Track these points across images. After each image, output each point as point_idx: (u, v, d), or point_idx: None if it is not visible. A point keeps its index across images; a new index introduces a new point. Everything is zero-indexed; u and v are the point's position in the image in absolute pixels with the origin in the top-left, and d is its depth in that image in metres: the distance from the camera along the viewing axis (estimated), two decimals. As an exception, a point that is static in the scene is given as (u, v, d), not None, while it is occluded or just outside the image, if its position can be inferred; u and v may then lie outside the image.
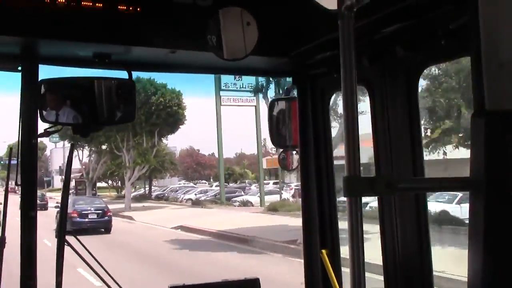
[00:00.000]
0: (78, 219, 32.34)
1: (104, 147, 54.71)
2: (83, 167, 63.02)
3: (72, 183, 66.78)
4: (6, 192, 3.11)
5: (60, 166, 79.09)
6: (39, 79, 2.83)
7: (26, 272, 2.78)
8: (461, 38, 2.21)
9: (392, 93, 2.74)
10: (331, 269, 3.17)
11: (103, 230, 32.81)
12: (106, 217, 33.51)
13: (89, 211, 33.35)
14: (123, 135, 47.36)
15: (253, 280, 3.52)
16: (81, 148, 58.61)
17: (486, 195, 1.37)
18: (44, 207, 42.20)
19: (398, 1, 2.31)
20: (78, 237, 3.22)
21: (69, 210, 30.54)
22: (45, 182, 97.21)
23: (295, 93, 3.62)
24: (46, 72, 2.95)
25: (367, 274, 1.46)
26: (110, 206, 38.90)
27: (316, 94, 3.39)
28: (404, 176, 2.64)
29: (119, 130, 44.62)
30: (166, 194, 65.80)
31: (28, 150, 2.78)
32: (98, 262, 3.21)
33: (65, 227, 3.07)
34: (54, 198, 45.87)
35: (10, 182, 2.90)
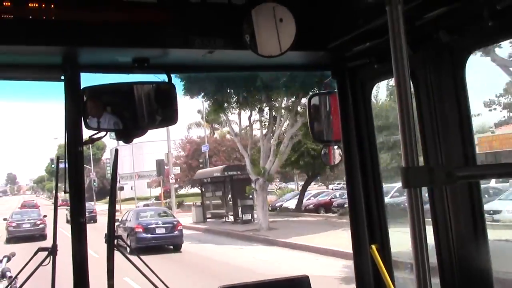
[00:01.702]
0: (143, 234, 27.87)
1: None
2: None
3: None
4: (56, 201, 3.17)
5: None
6: (82, 87, 2.88)
7: (78, 278, 2.82)
8: (510, 18, 2.12)
9: (438, 81, 2.66)
10: (381, 264, 3.10)
11: (171, 247, 28.27)
12: (176, 232, 28.35)
13: (156, 225, 28.43)
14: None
15: (303, 277, 3.49)
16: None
17: None
18: (93, 219, 39.84)
19: None
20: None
21: (133, 223, 28.58)
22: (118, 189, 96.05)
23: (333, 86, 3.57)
24: (88, 80, 3.00)
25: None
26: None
27: (356, 86, 3.33)
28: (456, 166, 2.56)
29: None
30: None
31: (74, 158, 2.83)
32: (149, 267, 3.23)
33: (114, 232, 3.11)
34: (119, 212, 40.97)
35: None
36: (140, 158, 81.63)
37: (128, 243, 26.32)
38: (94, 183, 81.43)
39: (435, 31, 2.50)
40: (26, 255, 3.23)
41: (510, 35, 2.31)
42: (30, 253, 3.07)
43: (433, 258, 2.26)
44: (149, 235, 27.85)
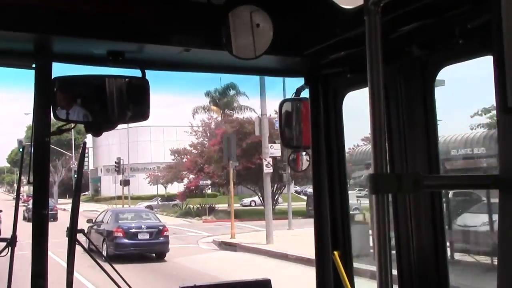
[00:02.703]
0: (124, 240, 23.96)
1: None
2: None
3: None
4: (18, 192, 3.11)
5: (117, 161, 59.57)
6: (53, 77, 2.83)
7: (37, 270, 2.77)
8: (480, 38, 2.20)
9: (408, 93, 2.73)
10: (343, 271, 3.15)
11: (154, 255, 24.74)
12: (162, 238, 24.57)
13: (139, 229, 24.63)
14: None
15: (265, 281, 3.50)
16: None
17: None
18: (54, 217, 35.52)
19: (415, 0, 2.29)
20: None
21: (111, 226, 24.69)
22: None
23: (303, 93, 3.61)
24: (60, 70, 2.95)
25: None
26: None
27: (328, 94, 3.38)
28: None
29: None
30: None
31: (41, 148, 2.77)
32: (110, 263, 3.19)
33: (77, 226, 3.06)
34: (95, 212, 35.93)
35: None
36: (133, 147, 69.88)
37: (105, 248, 23.47)
38: (74, 175, 75.58)
39: (408, 44, 2.57)
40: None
41: (479, 54, 2.39)
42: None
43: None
44: (130, 241, 24.06)
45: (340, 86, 3.32)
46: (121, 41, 2.80)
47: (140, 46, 2.88)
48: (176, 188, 59.55)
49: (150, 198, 62.32)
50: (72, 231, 3.05)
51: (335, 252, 3.26)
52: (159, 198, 59.64)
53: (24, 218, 32.17)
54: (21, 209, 32.74)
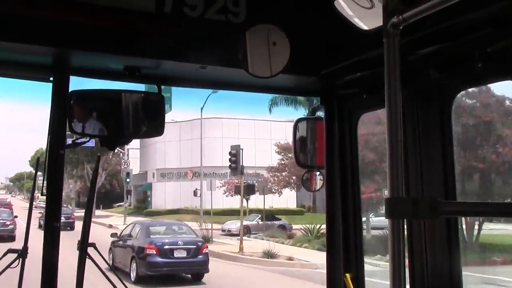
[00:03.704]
0: (157, 258, 20.50)
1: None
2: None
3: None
4: (31, 203, 3.12)
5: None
6: (70, 90, 2.85)
7: (46, 282, 2.76)
8: (499, 62, 2.17)
9: (424, 116, 2.70)
10: None
11: (190, 276, 21.34)
12: (201, 256, 21.07)
13: (175, 246, 21.15)
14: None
15: None
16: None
17: None
18: (70, 226, 34.67)
19: (434, 23, 2.28)
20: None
21: (142, 241, 21.35)
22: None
23: (319, 113, 3.60)
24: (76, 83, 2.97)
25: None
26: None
27: (344, 114, 3.36)
28: None
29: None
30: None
31: (55, 160, 2.79)
32: (119, 277, 3.18)
33: (88, 239, 3.06)
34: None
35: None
36: (196, 146, 51.79)
37: (134, 268, 20.54)
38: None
39: (426, 67, 2.54)
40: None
41: (499, 78, 2.36)
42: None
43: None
44: (164, 260, 20.57)
45: (355, 106, 3.30)
46: (138, 56, 2.82)
47: (157, 62, 2.90)
48: (276, 200, 47.58)
49: (229, 213, 46.22)
50: (83, 244, 3.05)
51: (347, 275, 3.21)
52: (259, 216, 41.93)
53: (40, 226, 32.23)
54: (37, 216, 32.91)
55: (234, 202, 44.82)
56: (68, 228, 33.85)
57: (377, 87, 2.90)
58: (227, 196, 49.58)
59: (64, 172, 2.95)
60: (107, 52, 2.75)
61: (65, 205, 54.21)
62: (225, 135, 55.73)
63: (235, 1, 2.93)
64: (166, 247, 21.02)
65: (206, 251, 21.66)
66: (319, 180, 3.85)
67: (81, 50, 2.70)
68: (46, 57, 2.75)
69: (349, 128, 3.36)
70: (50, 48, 2.65)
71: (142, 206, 66.91)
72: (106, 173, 63.24)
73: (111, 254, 23.56)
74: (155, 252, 20.72)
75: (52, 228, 2.78)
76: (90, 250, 3.09)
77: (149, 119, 3.11)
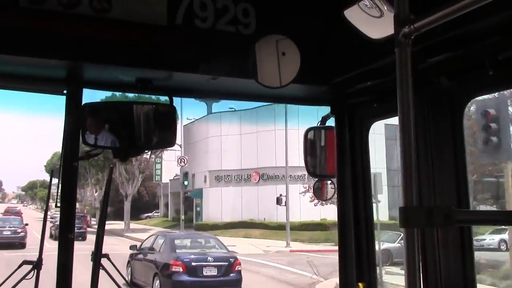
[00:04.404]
0: (185, 277, 17.92)
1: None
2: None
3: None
4: (45, 215, 3.15)
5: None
6: (83, 103, 2.89)
7: None
8: (510, 69, 2.17)
9: (436, 124, 2.70)
10: None
11: None
12: (233, 274, 18.47)
13: (204, 263, 18.43)
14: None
15: None
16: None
17: None
18: (82, 237, 32.82)
19: (444, 32, 2.28)
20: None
21: (166, 257, 18.93)
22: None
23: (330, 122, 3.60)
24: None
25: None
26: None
27: (354, 123, 3.37)
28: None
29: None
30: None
31: (69, 172, 2.82)
32: (125, 280, 3.18)
33: (101, 249, 3.08)
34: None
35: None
36: (262, 142, 42.30)
37: (157, 286, 17.88)
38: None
39: (436, 75, 2.55)
40: (5, 263, 3.17)
41: (510, 85, 2.36)
42: (8, 261, 3.02)
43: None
44: (193, 278, 17.92)
45: (366, 115, 3.31)
46: (150, 68, 2.85)
47: (168, 73, 2.92)
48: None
49: (318, 227, 36.54)
50: (97, 255, 3.07)
51: (360, 284, 3.20)
52: (400, 236, 21.69)
53: (51, 236, 32.09)
54: (48, 225, 32.84)
55: (325, 212, 33.37)
56: (80, 238, 32.52)
57: (387, 96, 2.91)
58: (315, 204, 34.62)
59: (88, 178, 2.98)
60: (120, 64, 2.78)
61: (82, 213, 49.77)
62: (303, 124, 40.75)
63: (245, 12, 2.96)
64: (194, 263, 18.31)
65: (239, 268, 18.80)
66: (330, 188, 3.85)
67: (94, 63, 2.74)
68: (60, 71, 2.79)
69: (360, 137, 3.36)
70: (64, 62, 2.69)
71: (186, 218, 51.48)
72: (143, 176, 52.56)
73: (130, 268, 21.40)
74: (181, 270, 18.06)
75: (67, 239, 2.80)
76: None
77: (161, 130, 3.14)
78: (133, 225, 51.75)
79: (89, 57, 2.70)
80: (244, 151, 45.01)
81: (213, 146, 48.60)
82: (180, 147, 42.68)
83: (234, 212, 46.21)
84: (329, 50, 3.08)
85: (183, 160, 42.09)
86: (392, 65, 1.59)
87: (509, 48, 2.14)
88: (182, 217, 40.63)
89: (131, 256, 21.73)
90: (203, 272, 18.24)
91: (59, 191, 2.83)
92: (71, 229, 2.84)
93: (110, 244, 21.79)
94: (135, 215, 59.33)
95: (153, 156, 50.69)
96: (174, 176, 54.98)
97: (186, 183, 38.65)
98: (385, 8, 2.34)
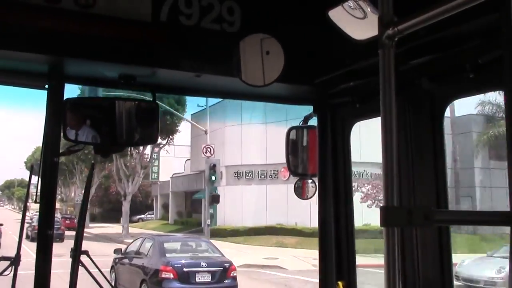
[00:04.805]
0: (176, 284, 16.52)
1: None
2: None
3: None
4: (24, 211, 3.11)
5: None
6: (64, 98, 2.86)
7: None
8: (490, 72, 2.21)
9: (416, 125, 2.73)
10: None
11: None
12: (228, 281, 17.20)
13: (197, 269, 16.95)
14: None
15: None
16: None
17: None
18: (60, 238, 31.66)
19: (426, 34, 2.32)
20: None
21: (155, 262, 17.51)
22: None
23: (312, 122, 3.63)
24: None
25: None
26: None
27: (336, 123, 3.39)
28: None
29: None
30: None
31: (49, 168, 2.79)
32: (111, 284, 3.17)
33: (81, 247, 3.05)
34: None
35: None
36: None
37: None
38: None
39: (418, 77, 2.59)
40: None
41: (490, 89, 2.41)
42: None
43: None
44: (184, 285, 16.58)
45: (348, 115, 3.34)
46: (134, 64, 2.84)
47: (152, 70, 2.91)
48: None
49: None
50: (76, 252, 3.04)
51: (339, 282, 3.23)
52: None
53: (27, 237, 31.48)
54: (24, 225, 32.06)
55: (368, 215, 24.71)
56: (58, 239, 30.85)
57: (370, 97, 2.94)
58: (369, 207, 29.73)
59: (75, 175, 2.96)
60: (103, 60, 2.76)
61: (70, 215, 45.98)
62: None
63: (230, 10, 2.96)
64: (186, 269, 16.80)
65: (234, 274, 17.35)
66: (311, 187, 3.88)
67: (76, 58, 2.72)
68: (42, 65, 2.77)
69: (342, 137, 3.39)
70: (46, 56, 2.66)
71: (192, 220, 45.08)
72: (144, 172, 46.02)
73: (113, 274, 19.78)
74: (172, 276, 16.54)
75: (46, 236, 2.77)
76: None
77: (143, 127, 3.12)
78: (134, 229, 45.38)
79: (71, 52, 2.68)
80: (270, 143, 36.96)
81: (232, 137, 41.16)
82: (206, 133, 34.18)
83: (257, 215, 38.84)
84: (313, 50, 3.10)
85: (209, 149, 33.94)
86: (375, 66, 1.61)
87: (489, 52, 2.18)
88: (208, 221, 32.18)
89: (115, 260, 20.32)
90: (196, 279, 16.86)
91: (39, 187, 2.80)
92: (50, 226, 2.81)
93: (109, 256, 20.08)
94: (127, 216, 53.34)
95: (156, 149, 44.25)
96: (173, 174, 49.08)
97: (213, 178, 30.02)
98: (369, 9, 2.37)
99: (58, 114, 2.80)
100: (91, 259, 3.24)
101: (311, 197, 4.02)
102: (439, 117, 2.67)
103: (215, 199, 30.23)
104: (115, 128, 3.00)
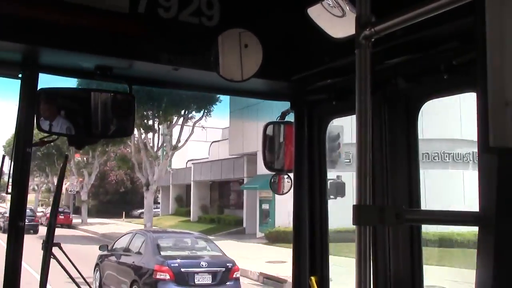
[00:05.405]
0: (173, 286, 14.72)
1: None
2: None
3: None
4: None
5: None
6: (39, 88, 2.81)
7: (9, 282, 2.71)
8: (464, 74, 2.25)
9: (391, 124, 2.77)
10: None
11: None
12: (230, 283, 15.40)
13: (196, 269, 15.15)
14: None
15: None
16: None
17: (496, 231, 1.38)
18: (34, 230, 31.66)
19: (403, 35, 2.35)
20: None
21: (149, 261, 15.59)
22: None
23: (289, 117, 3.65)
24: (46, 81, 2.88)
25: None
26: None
27: (313, 120, 3.42)
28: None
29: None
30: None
31: (22, 158, 2.74)
32: (83, 277, 3.15)
33: (53, 239, 3.02)
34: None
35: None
36: None
37: None
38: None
39: (394, 77, 2.62)
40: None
41: (463, 90, 2.45)
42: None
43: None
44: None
45: (325, 112, 3.36)
46: (110, 56, 2.80)
47: (129, 62, 2.88)
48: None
49: None
50: (48, 243, 3.01)
51: (312, 278, 3.26)
52: None
53: (0, 228, 30.77)
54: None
55: None
56: (31, 231, 30.88)
57: (346, 94, 2.97)
58: None
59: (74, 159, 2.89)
60: (78, 50, 2.72)
61: (62, 208, 39.02)
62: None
63: (209, 4, 2.94)
64: (184, 269, 14.94)
65: (238, 275, 15.63)
66: (286, 183, 3.90)
67: (51, 47, 2.67)
68: (15, 54, 2.71)
69: (318, 133, 3.42)
70: (19, 45, 2.61)
71: (228, 218, 37.56)
72: (173, 154, 35.85)
73: (98, 273, 17.96)
74: (168, 277, 14.72)
75: (17, 228, 2.73)
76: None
77: (118, 119, 3.09)
78: (134, 225, 38.27)
79: (46, 41, 2.63)
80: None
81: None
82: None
83: (333, 214, 26.70)
84: (291, 47, 3.11)
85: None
86: (352, 65, 1.63)
87: (464, 54, 2.22)
88: (267, 220, 26.05)
89: (100, 257, 18.29)
90: (195, 280, 15.03)
91: (11, 177, 2.75)
92: (21, 217, 2.76)
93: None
94: (124, 211, 47.60)
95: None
96: (186, 162, 40.37)
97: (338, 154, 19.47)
98: (348, 8, 2.39)
99: (31, 104, 2.75)
100: (64, 252, 3.21)
101: (286, 193, 4.04)
102: (413, 116, 2.71)
103: (340, 190, 20.90)
104: (90, 119, 2.96)
